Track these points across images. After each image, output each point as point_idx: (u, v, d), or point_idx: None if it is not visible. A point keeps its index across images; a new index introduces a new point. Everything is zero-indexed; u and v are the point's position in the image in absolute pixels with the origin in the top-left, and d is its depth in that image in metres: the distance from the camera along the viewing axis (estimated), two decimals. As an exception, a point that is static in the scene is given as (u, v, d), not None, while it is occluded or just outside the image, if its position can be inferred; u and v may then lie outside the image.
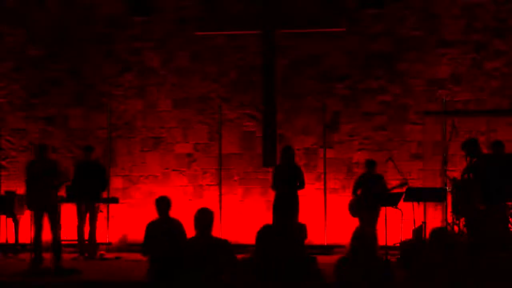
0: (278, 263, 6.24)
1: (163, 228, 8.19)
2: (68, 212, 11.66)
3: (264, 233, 6.47)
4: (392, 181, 12.17)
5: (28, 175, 10.90)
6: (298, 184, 11.61)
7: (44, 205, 10.68)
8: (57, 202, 10.83)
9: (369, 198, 11.61)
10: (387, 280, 5.84)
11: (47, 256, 10.71)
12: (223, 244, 6.80)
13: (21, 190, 12.64)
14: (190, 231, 6.95)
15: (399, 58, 13.15)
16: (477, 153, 10.90)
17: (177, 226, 8.20)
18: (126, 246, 12.76)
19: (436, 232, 6.00)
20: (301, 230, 6.71)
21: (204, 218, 6.78)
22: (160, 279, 7.56)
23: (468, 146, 10.98)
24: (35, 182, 10.77)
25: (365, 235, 5.93)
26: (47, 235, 10.78)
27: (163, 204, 8.40)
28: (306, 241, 10.32)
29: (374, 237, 6.04)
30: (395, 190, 11.70)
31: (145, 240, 8.48)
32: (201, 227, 6.72)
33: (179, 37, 13.51)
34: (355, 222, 11.64)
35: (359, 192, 11.88)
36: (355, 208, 11.79)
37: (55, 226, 10.72)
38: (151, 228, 8.26)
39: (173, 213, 11.18)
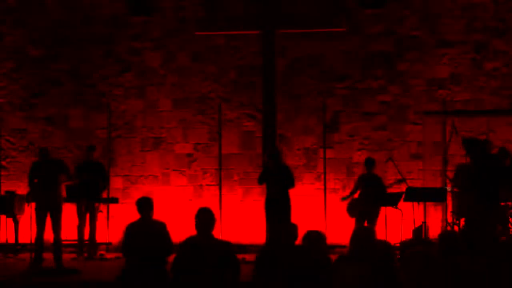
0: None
1: (142, 229, 8.05)
2: (68, 212, 11.66)
3: (262, 259, 6.50)
4: (392, 180, 12.19)
5: (33, 176, 10.92)
6: (287, 183, 11.55)
7: (48, 205, 10.71)
8: (61, 202, 10.88)
9: (369, 198, 11.59)
10: (388, 280, 5.84)
11: (47, 256, 10.72)
12: (224, 245, 6.79)
13: (21, 190, 12.66)
14: (190, 231, 6.94)
15: (399, 58, 13.15)
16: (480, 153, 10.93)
17: (158, 228, 8.05)
18: (126, 246, 12.74)
19: (444, 236, 6.02)
20: (293, 231, 6.74)
21: (204, 218, 6.76)
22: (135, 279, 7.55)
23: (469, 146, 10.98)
24: (41, 183, 10.81)
25: (365, 235, 5.93)
26: (47, 235, 10.80)
27: (142, 205, 8.25)
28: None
29: (373, 236, 6.04)
30: (392, 189, 11.73)
31: (124, 241, 8.35)
32: (201, 227, 6.71)
33: (179, 37, 13.51)
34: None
35: (356, 195, 11.82)
36: (354, 209, 11.76)
37: (58, 226, 10.75)
38: (130, 229, 8.17)
39: (173, 213, 11.24)
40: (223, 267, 6.56)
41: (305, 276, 6.22)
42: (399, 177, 12.04)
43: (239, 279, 6.70)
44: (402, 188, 11.82)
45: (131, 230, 8.04)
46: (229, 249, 6.73)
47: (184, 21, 13.49)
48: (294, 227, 6.75)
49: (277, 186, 11.42)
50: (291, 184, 11.50)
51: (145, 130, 13.53)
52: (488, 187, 9.80)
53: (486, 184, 9.73)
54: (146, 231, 7.96)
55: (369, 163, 11.88)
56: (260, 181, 11.64)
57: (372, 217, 11.56)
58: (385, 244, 6.04)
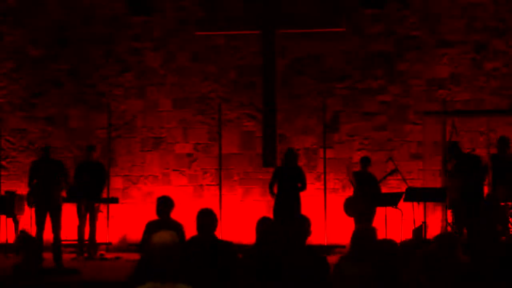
0: (281, 255, 6.22)
1: (160, 228, 8.06)
2: (68, 212, 11.67)
3: (263, 223, 6.47)
4: (393, 181, 12.20)
5: (33, 176, 10.94)
6: (299, 186, 11.60)
7: (48, 205, 10.72)
8: (61, 202, 10.89)
9: (367, 197, 11.61)
10: (389, 280, 5.84)
11: (47, 256, 10.72)
12: (226, 246, 6.77)
13: (21, 190, 12.65)
14: (191, 231, 6.92)
15: (399, 58, 13.15)
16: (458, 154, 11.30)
17: (176, 228, 8.06)
18: (126, 246, 12.76)
19: (442, 237, 6.02)
20: (305, 224, 6.53)
21: (205, 218, 6.73)
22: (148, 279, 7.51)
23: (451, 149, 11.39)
24: (40, 182, 10.82)
25: (366, 235, 5.93)
26: (47, 235, 10.80)
27: (163, 204, 8.27)
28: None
29: (375, 236, 6.03)
30: (385, 188, 11.80)
31: (142, 239, 8.40)
32: (203, 227, 6.68)
33: (179, 37, 13.51)
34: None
35: (351, 193, 11.88)
36: (350, 207, 11.78)
37: (57, 226, 10.76)
38: (150, 227, 8.19)
39: (173, 213, 11.18)
40: (225, 268, 6.53)
41: (298, 275, 6.20)
42: (399, 176, 12.04)
43: (239, 280, 6.68)
44: (393, 175, 11.91)
45: (151, 229, 8.03)
46: (232, 250, 6.71)
47: (184, 21, 13.49)
48: (307, 221, 6.50)
49: (289, 187, 11.43)
50: (303, 186, 11.55)
51: (145, 130, 13.53)
52: (469, 186, 10.19)
53: (468, 183, 10.11)
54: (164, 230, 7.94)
55: (365, 161, 11.95)
56: (271, 186, 11.62)
57: (370, 217, 11.58)
58: (390, 243, 6.03)
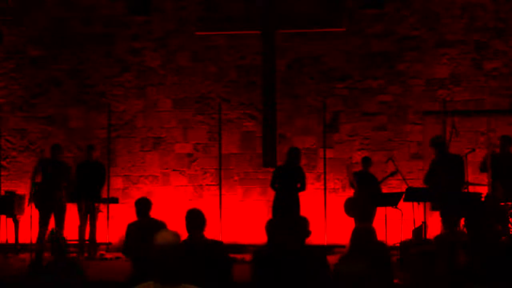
0: (290, 252, 6.23)
1: (143, 229, 8.07)
2: (69, 212, 11.67)
3: (272, 224, 6.49)
4: (393, 181, 12.20)
5: (37, 173, 10.95)
6: (299, 186, 11.57)
7: (52, 205, 10.73)
8: (65, 202, 10.90)
9: (366, 197, 11.61)
10: (385, 280, 5.85)
11: (47, 254, 10.71)
12: (217, 245, 6.76)
13: (21, 190, 12.66)
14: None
15: (399, 58, 13.16)
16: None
17: (159, 228, 8.06)
18: (126, 246, 12.74)
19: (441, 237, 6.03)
20: (304, 224, 6.58)
21: (194, 218, 6.72)
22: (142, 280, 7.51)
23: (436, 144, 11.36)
24: (46, 182, 10.83)
25: (365, 234, 5.94)
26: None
27: (141, 205, 8.29)
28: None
29: (374, 236, 6.04)
30: (385, 188, 11.79)
31: (125, 241, 8.42)
32: (192, 228, 6.67)
33: (179, 37, 13.51)
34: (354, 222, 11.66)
35: (351, 193, 11.89)
36: (351, 207, 11.78)
37: (61, 226, 10.77)
38: (131, 229, 8.19)
39: (173, 213, 11.24)
40: (214, 268, 6.51)
41: (302, 275, 6.21)
42: (399, 176, 12.05)
43: (232, 280, 6.67)
44: (393, 176, 11.92)
45: (132, 231, 8.04)
46: (221, 249, 6.69)
47: (184, 21, 13.49)
48: (305, 221, 6.56)
49: (289, 187, 11.41)
50: (303, 187, 11.52)
51: (145, 130, 13.53)
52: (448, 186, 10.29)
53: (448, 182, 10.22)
54: (147, 231, 7.96)
55: (366, 161, 11.97)
56: (273, 186, 11.60)
57: (370, 217, 11.58)
58: (381, 244, 6.05)
